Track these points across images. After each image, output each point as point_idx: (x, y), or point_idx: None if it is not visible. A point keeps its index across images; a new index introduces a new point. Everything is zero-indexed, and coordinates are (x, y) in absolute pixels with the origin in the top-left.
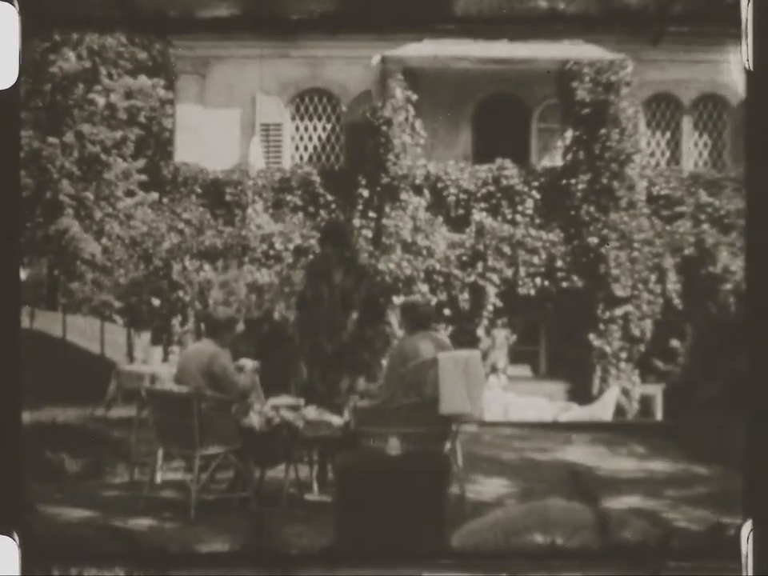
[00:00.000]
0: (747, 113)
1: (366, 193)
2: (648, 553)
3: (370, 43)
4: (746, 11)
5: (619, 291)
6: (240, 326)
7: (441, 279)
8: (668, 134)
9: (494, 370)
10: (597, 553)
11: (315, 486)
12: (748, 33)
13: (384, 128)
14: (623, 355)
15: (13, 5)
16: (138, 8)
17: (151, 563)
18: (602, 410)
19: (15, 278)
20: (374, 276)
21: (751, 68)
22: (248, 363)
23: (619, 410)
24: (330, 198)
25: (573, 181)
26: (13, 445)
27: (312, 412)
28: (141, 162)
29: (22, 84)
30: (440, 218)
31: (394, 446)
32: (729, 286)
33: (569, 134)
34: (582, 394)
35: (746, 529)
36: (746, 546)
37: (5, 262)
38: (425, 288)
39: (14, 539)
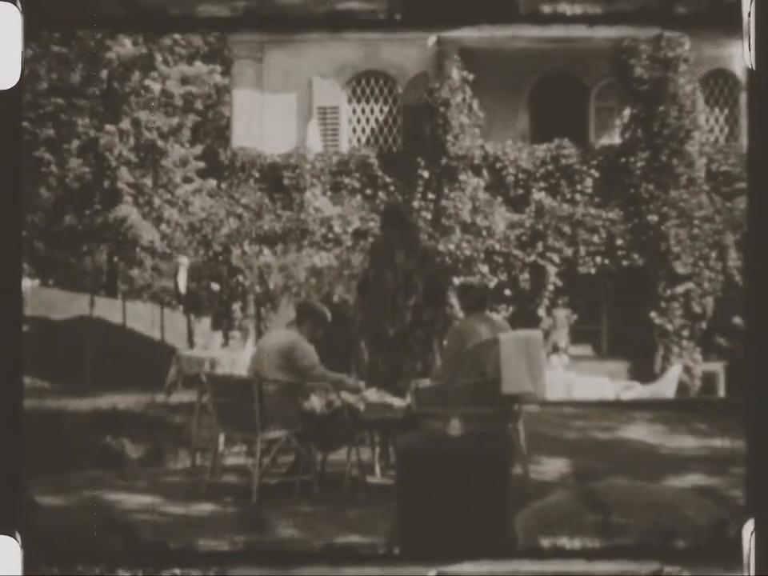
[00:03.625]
0: (750, 112)
1: (424, 174)
2: (650, 550)
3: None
4: (749, 9)
5: (680, 269)
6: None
7: (501, 260)
8: (726, 110)
9: (555, 349)
10: (598, 550)
11: (377, 469)
12: (750, 31)
13: (441, 109)
14: (685, 333)
15: (15, 5)
16: (141, 6)
17: (152, 560)
18: (665, 388)
19: (17, 273)
20: (435, 257)
21: (753, 67)
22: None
23: (681, 388)
24: (388, 180)
25: (632, 159)
26: (14, 444)
27: (373, 394)
28: (198, 149)
29: (25, 84)
30: (499, 198)
31: (455, 427)
32: None
33: (627, 111)
34: (643, 372)
35: (749, 528)
36: (749, 546)
37: (6, 255)
38: (485, 269)
39: (15, 539)
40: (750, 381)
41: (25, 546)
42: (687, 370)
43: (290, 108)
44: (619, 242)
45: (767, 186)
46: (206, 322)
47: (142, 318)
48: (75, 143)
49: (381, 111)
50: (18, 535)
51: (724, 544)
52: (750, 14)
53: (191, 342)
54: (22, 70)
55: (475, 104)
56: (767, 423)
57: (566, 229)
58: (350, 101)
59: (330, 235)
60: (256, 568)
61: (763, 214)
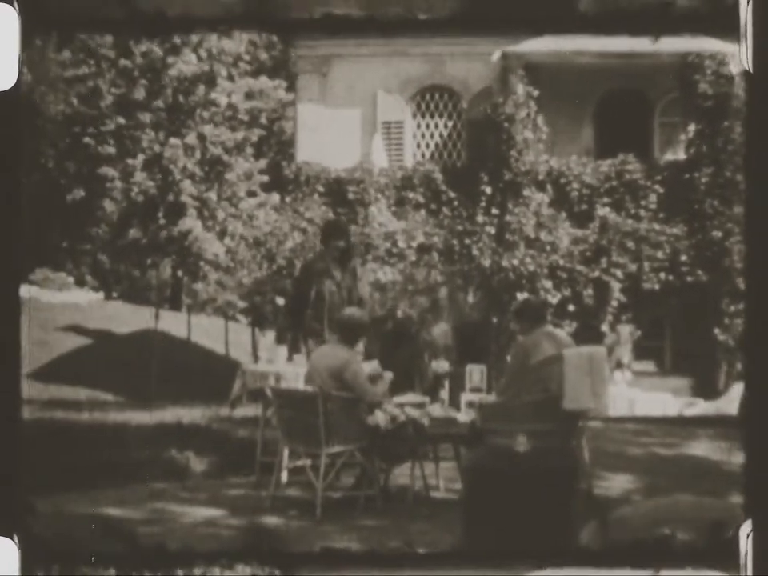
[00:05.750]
0: (747, 115)
1: (488, 189)
2: (647, 552)
3: (489, 39)
4: (746, 12)
5: (744, 285)
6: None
7: (564, 275)
8: None
9: (618, 365)
10: (596, 552)
11: (441, 484)
12: (747, 34)
13: (506, 124)
14: None
15: (13, 6)
16: (139, 8)
17: (151, 562)
18: (728, 404)
19: (16, 274)
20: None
21: (751, 70)
22: (387, 374)
23: None
24: (452, 195)
25: (696, 174)
26: (13, 446)
27: (437, 409)
28: (263, 163)
29: (22, 85)
30: (563, 214)
31: (521, 443)
32: None
33: (691, 127)
34: (707, 388)
35: (746, 529)
36: (746, 547)
37: (5, 259)
38: (548, 284)
39: (14, 541)
40: (750, 390)
41: (22, 547)
42: None
43: (354, 122)
44: (683, 257)
45: (766, 189)
46: (271, 335)
47: (206, 331)
48: (140, 157)
49: (445, 126)
50: (15, 537)
51: (722, 544)
52: (747, 16)
53: (255, 356)
54: (19, 72)
55: (540, 119)
56: (765, 422)
57: (630, 244)
58: (414, 116)
59: (394, 250)
60: (257, 568)
61: (762, 218)
